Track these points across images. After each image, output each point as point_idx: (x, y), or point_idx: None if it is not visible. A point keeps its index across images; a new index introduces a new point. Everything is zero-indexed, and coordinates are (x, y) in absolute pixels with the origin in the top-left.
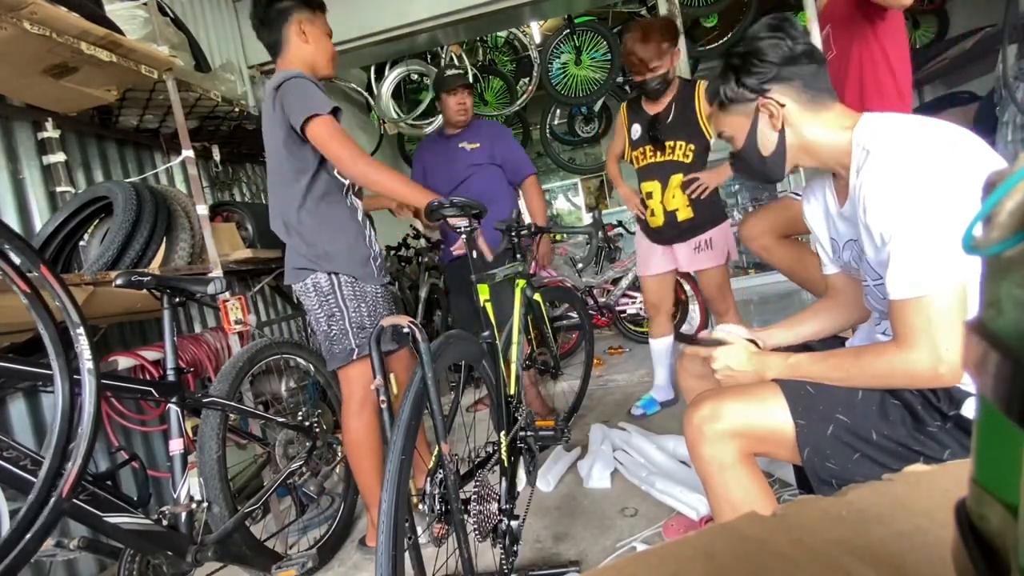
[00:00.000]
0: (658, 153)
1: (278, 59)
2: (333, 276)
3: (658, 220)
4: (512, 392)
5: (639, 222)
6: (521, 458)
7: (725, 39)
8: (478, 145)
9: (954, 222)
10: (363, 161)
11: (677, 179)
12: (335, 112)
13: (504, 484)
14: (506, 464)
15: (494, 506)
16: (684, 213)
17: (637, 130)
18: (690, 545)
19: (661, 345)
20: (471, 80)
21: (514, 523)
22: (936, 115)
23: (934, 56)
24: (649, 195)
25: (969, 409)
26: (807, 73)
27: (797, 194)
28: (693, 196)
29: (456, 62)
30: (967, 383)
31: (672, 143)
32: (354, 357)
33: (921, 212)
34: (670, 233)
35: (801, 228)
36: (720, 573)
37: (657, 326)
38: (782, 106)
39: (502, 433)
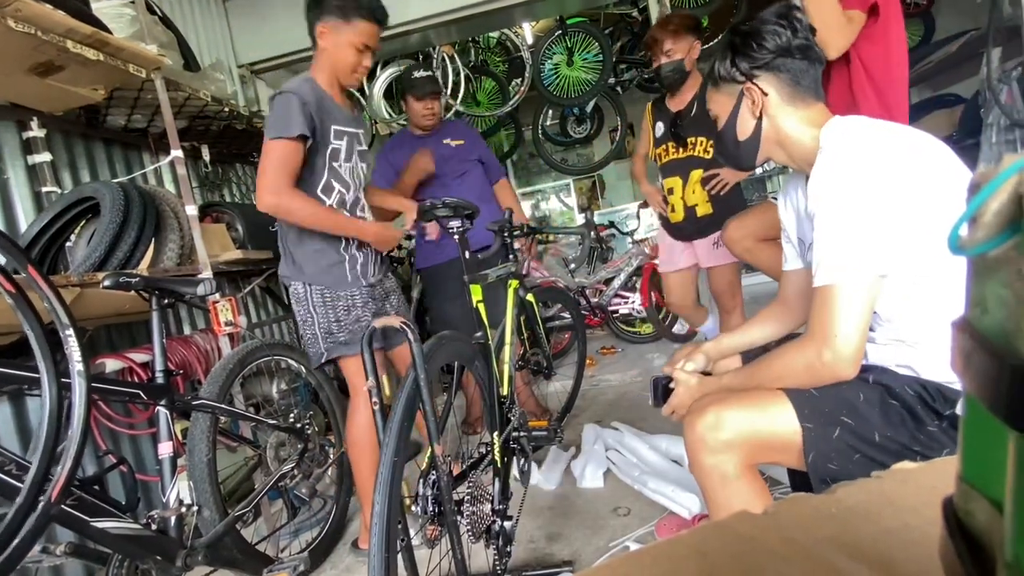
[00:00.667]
0: (680, 149)
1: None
2: (307, 285)
3: (678, 216)
4: (505, 393)
5: (661, 219)
6: (514, 459)
7: (715, 41)
8: (463, 142)
9: (884, 219)
10: (268, 197)
11: (697, 175)
12: (305, 138)
13: (497, 485)
14: (499, 465)
15: (487, 507)
16: (703, 209)
17: (660, 127)
18: (683, 544)
19: (708, 330)
20: (441, 84)
21: (507, 524)
22: (923, 117)
23: (920, 59)
24: (671, 191)
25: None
26: (797, 68)
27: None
28: (713, 192)
29: (423, 65)
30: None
31: (693, 139)
32: (323, 360)
33: (845, 205)
34: (690, 229)
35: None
36: (713, 571)
37: (694, 318)
38: (765, 95)
39: (495, 434)
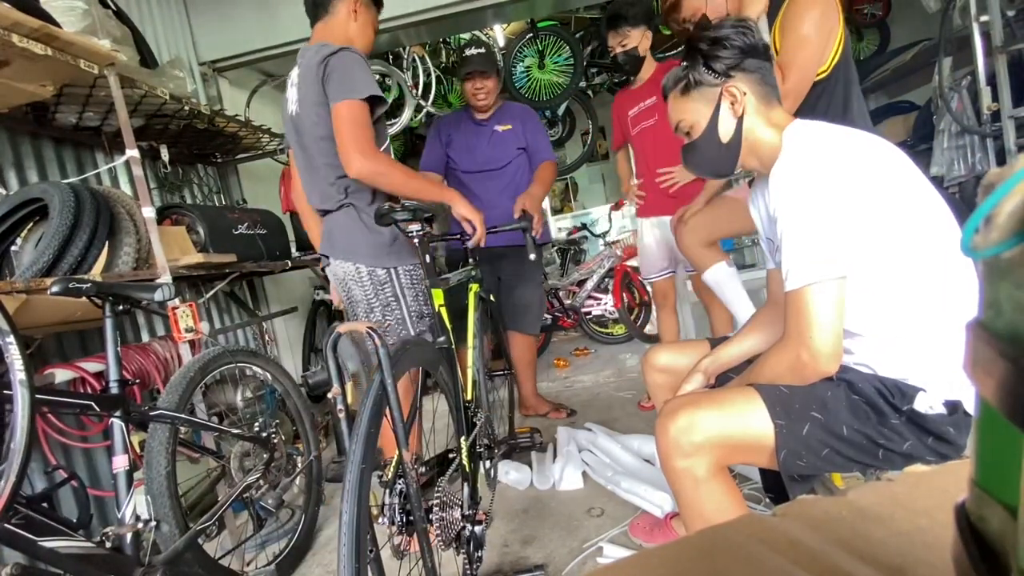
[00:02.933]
0: None
1: (318, 23)
2: (391, 269)
3: None
4: (470, 398)
5: None
6: (481, 463)
7: (681, 48)
8: (510, 127)
9: (847, 221)
10: (360, 161)
11: None
12: (374, 101)
13: (466, 490)
14: (467, 469)
15: (457, 512)
16: None
17: None
18: (691, 545)
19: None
20: (495, 65)
21: (478, 528)
22: (879, 123)
23: (876, 67)
24: None
25: (921, 403)
26: (764, 68)
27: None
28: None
29: (475, 42)
30: (915, 378)
31: None
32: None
33: (808, 209)
34: None
35: (736, 228)
36: (720, 574)
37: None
38: (744, 94)
39: (462, 439)
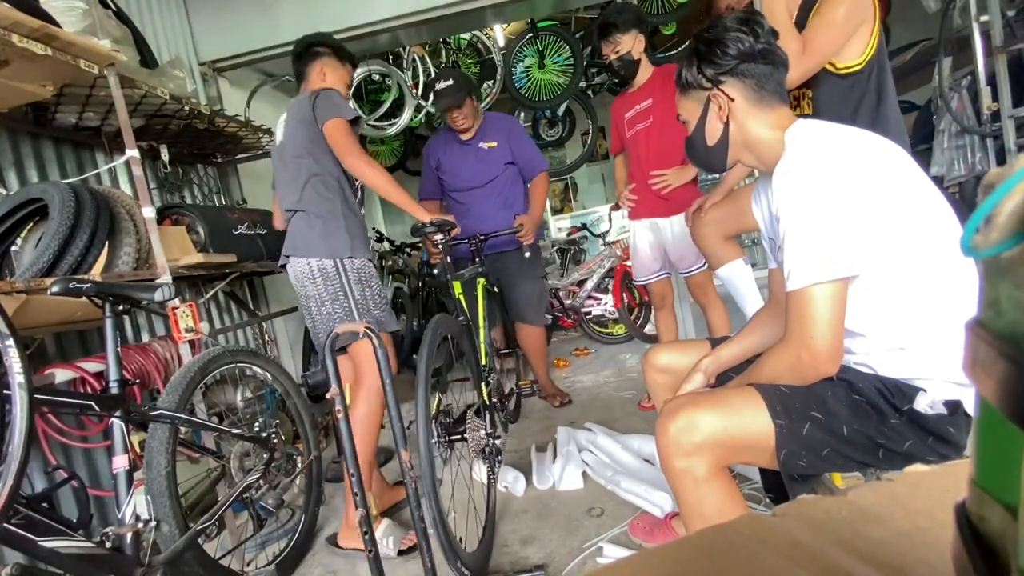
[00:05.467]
0: None
1: (301, 84)
2: (339, 261)
3: None
4: (484, 363)
5: None
6: (495, 414)
7: (683, 47)
8: (495, 144)
9: (850, 221)
10: (363, 161)
11: None
12: (355, 121)
13: (486, 417)
14: (487, 403)
15: (482, 432)
16: None
17: None
18: (691, 545)
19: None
20: (466, 91)
21: (497, 442)
22: None
23: None
24: None
25: (921, 403)
26: (761, 72)
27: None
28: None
29: (443, 74)
30: (917, 377)
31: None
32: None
33: (811, 209)
34: None
35: (747, 224)
36: (720, 573)
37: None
38: (731, 100)
39: (481, 384)
